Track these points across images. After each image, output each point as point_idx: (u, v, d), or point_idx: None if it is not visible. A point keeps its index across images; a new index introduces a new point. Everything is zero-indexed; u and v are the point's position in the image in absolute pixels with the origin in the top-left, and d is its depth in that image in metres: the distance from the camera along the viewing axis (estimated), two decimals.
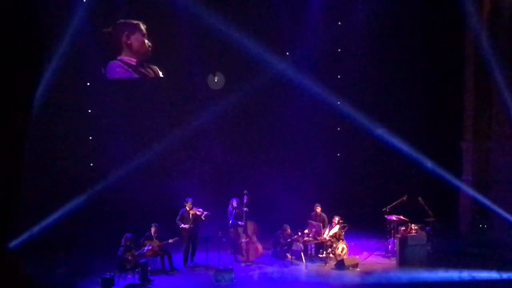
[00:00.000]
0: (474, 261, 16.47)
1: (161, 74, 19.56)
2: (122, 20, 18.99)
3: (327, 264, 16.56)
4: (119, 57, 19.14)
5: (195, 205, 16.61)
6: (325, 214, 17.53)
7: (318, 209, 17.48)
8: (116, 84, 19.59)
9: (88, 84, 19.42)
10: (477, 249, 17.24)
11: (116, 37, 18.94)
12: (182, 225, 16.35)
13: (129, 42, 19.07)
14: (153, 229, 15.91)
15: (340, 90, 20.61)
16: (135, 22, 19.04)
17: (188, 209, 16.46)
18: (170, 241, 15.93)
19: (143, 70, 19.25)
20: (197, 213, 16.41)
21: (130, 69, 19.09)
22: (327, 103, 20.35)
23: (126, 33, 19.01)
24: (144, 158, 19.22)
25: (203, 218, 16.40)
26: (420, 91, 21.56)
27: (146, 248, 15.61)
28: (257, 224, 17.07)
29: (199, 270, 16.30)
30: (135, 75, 19.34)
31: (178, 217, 16.50)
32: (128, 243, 15.36)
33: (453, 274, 15.66)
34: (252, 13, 20.27)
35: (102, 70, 19.16)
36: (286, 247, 17.09)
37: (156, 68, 19.46)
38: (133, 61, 19.19)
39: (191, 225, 16.38)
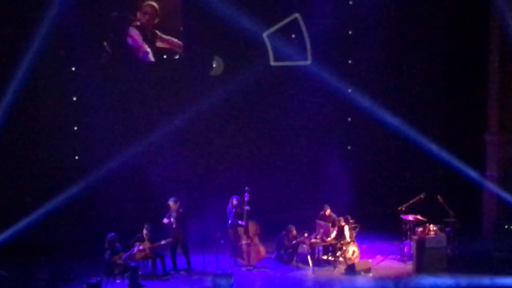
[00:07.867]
0: (498, 266, 16.47)
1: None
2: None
3: (336, 269, 16.55)
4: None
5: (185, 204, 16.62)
6: (335, 214, 17.43)
7: (328, 211, 17.38)
8: (104, 69, 19.51)
9: (73, 69, 19.32)
10: (502, 253, 17.19)
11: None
12: (164, 219, 16.37)
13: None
14: (145, 231, 15.87)
15: (352, 76, 20.58)
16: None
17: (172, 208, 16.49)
18: (163, 242, 15.93)
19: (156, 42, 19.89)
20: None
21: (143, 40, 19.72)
22: (337, 91, 20.28)
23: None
24: (135, 151, 19.15)
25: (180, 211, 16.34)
26: (440, 78, 21.53)
27: (135, 248, 15.54)
28: (259, 224, 17.03)
29: (195, 275, 16.28)
30: (146, 48, 19.70)
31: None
32: (113, 245, 15.28)
33: (475, 281, 15.60)
34: None
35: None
36: (291, 250, 17.07)
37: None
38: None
39: (174, 225, 16.32)
